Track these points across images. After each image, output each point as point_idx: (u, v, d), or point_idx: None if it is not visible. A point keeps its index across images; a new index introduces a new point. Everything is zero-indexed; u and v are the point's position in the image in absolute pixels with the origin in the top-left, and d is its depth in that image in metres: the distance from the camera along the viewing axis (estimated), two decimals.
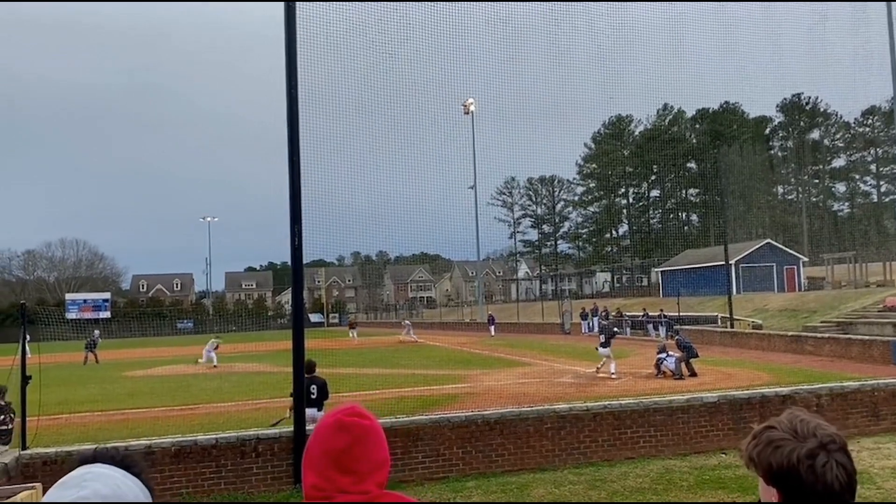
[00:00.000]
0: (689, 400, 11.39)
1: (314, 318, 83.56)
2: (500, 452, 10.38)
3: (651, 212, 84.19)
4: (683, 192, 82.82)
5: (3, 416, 9.22)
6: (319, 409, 10.75)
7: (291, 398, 10.31)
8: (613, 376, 19.43)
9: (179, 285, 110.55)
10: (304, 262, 10.52)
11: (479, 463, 10.26)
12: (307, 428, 9.70)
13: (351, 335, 46.85)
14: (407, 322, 51.65)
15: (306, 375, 10.55)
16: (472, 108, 28.09)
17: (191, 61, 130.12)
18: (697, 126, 79.26)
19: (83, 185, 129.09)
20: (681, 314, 35.35)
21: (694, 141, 78.84)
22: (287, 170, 10.22)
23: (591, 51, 14.26)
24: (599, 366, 20.42)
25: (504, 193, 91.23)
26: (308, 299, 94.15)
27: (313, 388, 10.80)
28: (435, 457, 10.12)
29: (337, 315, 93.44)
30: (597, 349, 20.63)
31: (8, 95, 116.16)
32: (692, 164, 79.12)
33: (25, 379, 9.19)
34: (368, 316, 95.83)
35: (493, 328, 46.66)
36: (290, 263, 10.55)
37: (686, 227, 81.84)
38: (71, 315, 68.76)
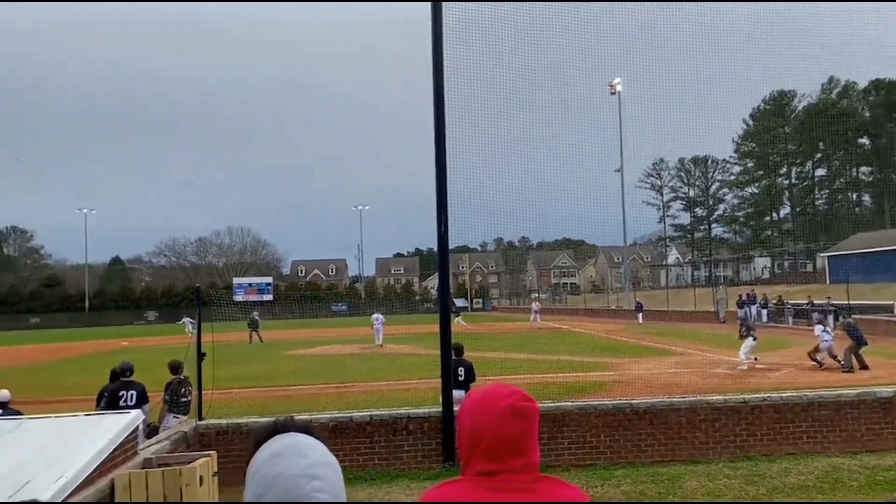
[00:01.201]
0: (859, 394, 10.52)
1: (459, 303, 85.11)
2: (650, 442, 10.12)
3: (816, 192, 78.03)
4: (854, 170, 76.10)
5: (183, 389, 10.15)
6: (466, 391, 10.95)
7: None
8: (743, 366, 18.73)
9: (334, 270, 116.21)
10: (450, 248, 10.72)
11: (627, 452, 10.06)
12: (455, 409, 9.94)
13: (456, 321, 46.43)
14: (536, 304, 51.13)
15: (454, 358, 10.77)
16: (618, 87, 27.29)
17: (340, 55, 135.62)
18: (871, 98, 72.36)
19: (248, 176, 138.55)
20: (850, 302, 32.64)
21: (867, 115, 72.07)
22: (433, 158, 10.45)
23: (751, 18, 13.41)
24: (755, 357, 19.45)
25: (652, 175, 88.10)
26: (452, 284, 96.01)
27: (461, 371, 11.01)
28: (581, 443, 10.03)
29: (480, 300, 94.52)
30: (742, 337, 19.70)
31: (180, 98, 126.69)
32: (864, 140, 72.43)
33: (200, 356, 10.05)
34: (511, 301, 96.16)
35: (640, 316, 45.35)
36: (435, 250, 10.80)
37: (857, 209, 75.21)
38: (238, 297, 74.19)
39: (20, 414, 8.89)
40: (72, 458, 6.48)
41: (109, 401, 9.42)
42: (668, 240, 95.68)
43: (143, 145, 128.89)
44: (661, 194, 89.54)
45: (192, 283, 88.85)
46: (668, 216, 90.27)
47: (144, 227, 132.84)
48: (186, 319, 47.87)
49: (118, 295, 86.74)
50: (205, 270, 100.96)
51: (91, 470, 6.47)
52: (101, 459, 6.70)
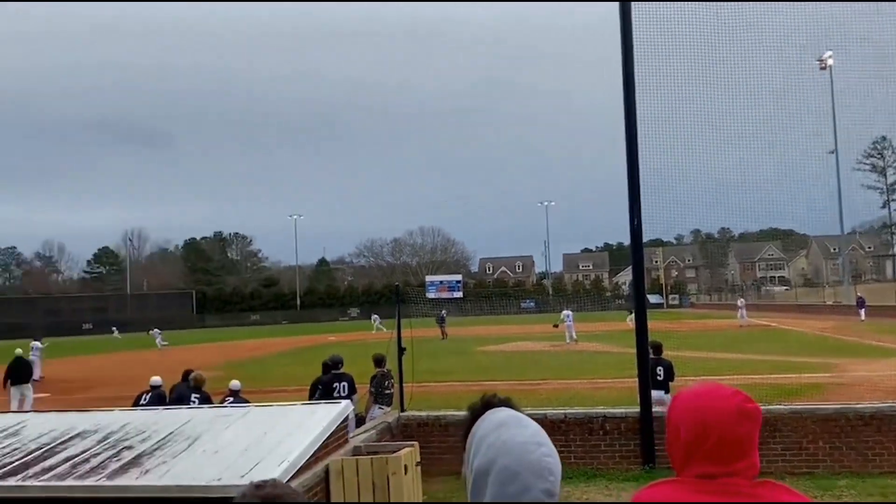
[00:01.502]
0: None
1: (653, 299, 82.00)
2: (878, 451, 9.10)
3: None
4: None
5: (387, 382, 10.71)
6: (666, 392, 10.53)
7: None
8: None
9: (521, 267, 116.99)
10: (643, 242, 10.36)
11: (850, 461, 9.12)
12: (654, 410, 9.59)
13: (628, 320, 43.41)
14: (741, 301, 47.71)
15: (652, 357, 10.40)
16: (829, 62, 24.86)
17: (528, 51, 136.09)
18: None
19: (436, 176, 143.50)
20: None
21: None
22: (624, 151, 10.15)
23: None
24: None
25: (873, 156, 79.15)
26: (646, 280, 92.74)
27: (659, 370, 10.61)
28: (797, 450, 9.25)
29: (677, 296, 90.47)
30: None
31: (380, 103, 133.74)
32: None
33: (401, 350, 10.56)
34: (711, 297, 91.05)
35: (863, 311, 40.95)
36: (625, 244, 10.49)
37: None
38: (430, 295, 77.07)
39: (247, 402, 9.85)
40: (292, 443, 7.07)
41: (324, 391, 10.17)
42: (894, 227, 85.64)
43: (342, 153, 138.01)
44: (885, 176, 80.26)
45: (390, 282, 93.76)
46: (893, 200, 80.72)
47: (346, 230, 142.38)
48: (375, 317, 50.82)
49: (324, 293, 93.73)
50: (400, 269, 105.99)
51: (309, 455, 7.02)
52: (318, 446, 7.24)
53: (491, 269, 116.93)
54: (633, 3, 10.05)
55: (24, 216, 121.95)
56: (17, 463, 6.88)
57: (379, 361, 10.95)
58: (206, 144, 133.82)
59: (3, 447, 7.33)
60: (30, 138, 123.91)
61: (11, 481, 6.51)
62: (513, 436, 1.49)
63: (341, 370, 10.58)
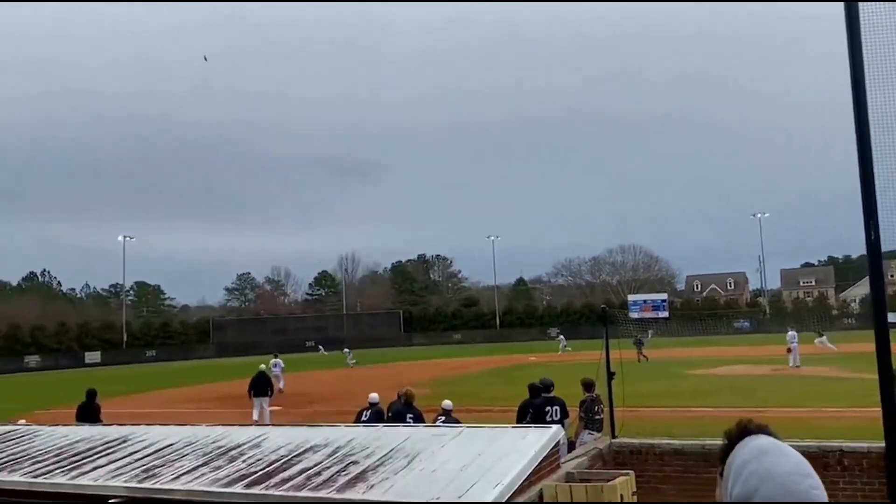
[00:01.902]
0: None
1: (892, 317, 73.00)
2: None
3: None
4: None
5: (596, 407, 10.50)
6: None
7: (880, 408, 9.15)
8: None
9: (733, 284, 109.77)
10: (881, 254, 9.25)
11: None
12: None
13: (817, 342, 37.64)
14: None
15: None
16: None
17: (739, 50, 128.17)
18: None
19: (634, 190, 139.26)
20: None
21: None
22: (851, 155, 9.17)
23: None
24: None
25: None
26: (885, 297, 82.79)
27: None
28: None
29: None
30: None
31: (572, 115, 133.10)
32: None
33: (610, 374, 10.31)
34: None
35: None
36: (852, 256, 9.48)
37: None
38: (633, 315, 74.58)
39: (459, 422, 10.11)
40: (506, 466, 7.13)
41: (535, 414, 10.18)
42: None
43: (537, 172, 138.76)
44: None
45: (589, 301, 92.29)
46: None
47: (543, 249, 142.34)
48: (561, 337, 49.85)
49: (523, 313, 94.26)
50: (600, 289, 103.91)
51: (523, 479, 7.05)
52: (531, 470, 7.25)
53: (699, 286, 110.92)
54: (860, 2, 9.11)
55: (257, 244, 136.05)
56: (260, 473, 7.61)
57: (588, 386, 10.77)
58: (411, 172, 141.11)
59: (249, 457, 8.13)
60: (261, 174, 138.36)
61: (256, 489, 7.21)
62: (776, 465, 1.44)
63: (552, 393, 10.53)
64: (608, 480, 7.48)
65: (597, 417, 10.47)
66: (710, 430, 12.87)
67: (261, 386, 19.48)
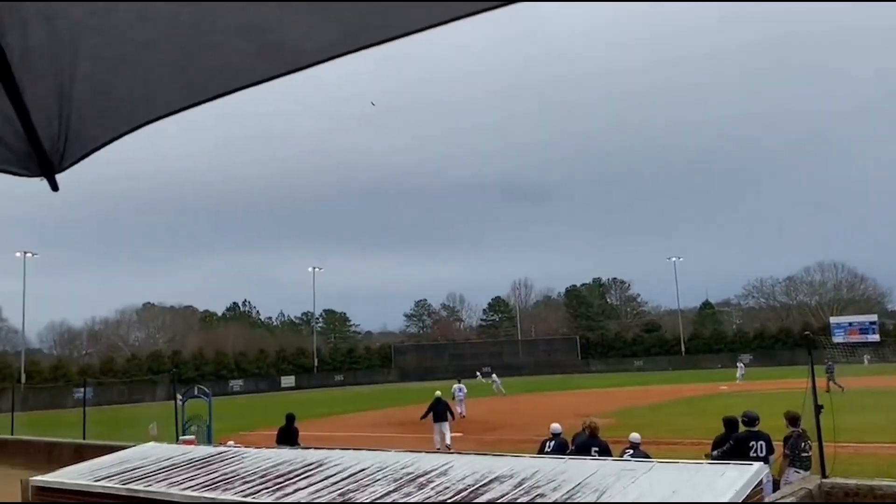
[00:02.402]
0: None
1: None
2: None
3: None
4: None
5: (803, 444, 9.58)
6: None
7: None
8: None
9: None
10: None
11: None
12: None
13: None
14: None
15: None
16: None
17: None
18: None
19: (832, 199, 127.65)
20: None
21: None
22: None
23: None
24: None
25: None
26: None
27: None
28: None
29: None
30: None
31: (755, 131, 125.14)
32: None
33: (818, 408, 9.38)
34: None
35: None
36: None
37: None
38: (837, 339, 68.02)
39: (648, 456, 9.64)
40: None
41: (736, 448, 9.48)
42: None
43: (720, 189, 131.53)
44: None
45: (784, 325, 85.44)
46: None
47: (730, 269, 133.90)
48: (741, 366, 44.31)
49: (710, 338, 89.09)
50: (796, 311, 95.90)
51: None
52: None
53: None
54: None
55: (432, 271, 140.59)
56: (449, 501, 7.68)
57: (793, 420, 9.86)
58: (581, 194, 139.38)
59: (437, 485, 8.25)
60: (436, 203, 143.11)
61: None
62: None
63: (757, 428, 9.74)
64: None
65: (804, 454, 9.54)
66: None
67: (439, 413, 19.90)
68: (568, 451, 10.56)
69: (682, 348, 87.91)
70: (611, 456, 9.90)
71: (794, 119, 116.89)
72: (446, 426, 20.02)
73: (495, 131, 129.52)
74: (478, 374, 72.01)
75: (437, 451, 19.01)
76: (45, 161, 1.29)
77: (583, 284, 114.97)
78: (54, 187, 1.34)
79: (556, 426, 11.60)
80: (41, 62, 1.10)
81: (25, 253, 69.87)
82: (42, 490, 11.78)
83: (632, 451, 10.01)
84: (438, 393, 21.08)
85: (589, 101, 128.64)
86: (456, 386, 29.65)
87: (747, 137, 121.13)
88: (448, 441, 19.58)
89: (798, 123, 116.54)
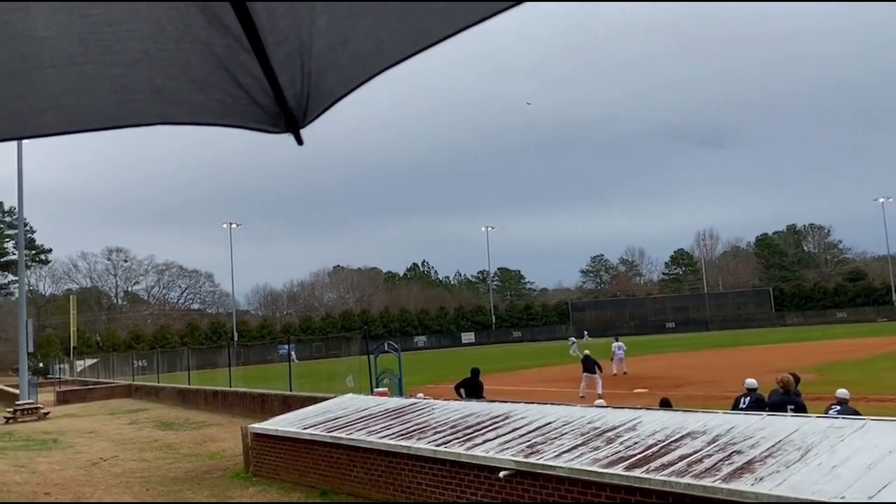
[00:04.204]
0: None
1: None
2: None
3: None
4: None
5: None
6: None
7: None
8: None
9: None
10: None
11: None
12: None
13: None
14: None
15: None
16: None
17: None
18: None
19: None
20: None
21: None
22: None
23: None
24: None
25: None
26: None
27: None
28: None
29: None
30: None
31: None
32: None
33: None
34: None
35: None
36: None
37: None
38: None
39: (858, 413, 8.89)
40: None
41: None
42: None
43: None
44: None
45: None
46: None
47: None
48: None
49: None
50: None
51: None
52: None
53: None
54: None
55: (609, 226, 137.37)
56: (638, 456, 7.58)
57: None
58: (770, 136, 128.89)
59: (625, 440, 8.16)
60: (612, 154, 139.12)
61: (637, 472, 7.18)
62: None
63: None
64: None
65: None
66: None
67: (589, 365, 22.13)
68: (764, 409, 9.98)
69: (893, 297, 79.53)
70: (805, 412, 9.24)
71: None
72: (596, 377, 21.77)
73: (669, 74, 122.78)
74: (575, 338, 70.29)
75: (582, 398, 20.24)
76: (291, 118, 1.40)
77: (775, 232, 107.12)
78: (300, 142, 1.45)
79: (751, 381, 10.99)
80: (283, 20, 1.19)
81: (231, 224, 77.20)
82: (259, 436, 13.12)
83: (839, 408, 9.27)
84: (587, 352, 23.28)
85: (771, 34, 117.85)
86: (615, 344, 29.28)
87: None
88: (599, 390, 21.12)
89: None
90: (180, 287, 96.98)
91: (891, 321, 68.00)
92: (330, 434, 11.39)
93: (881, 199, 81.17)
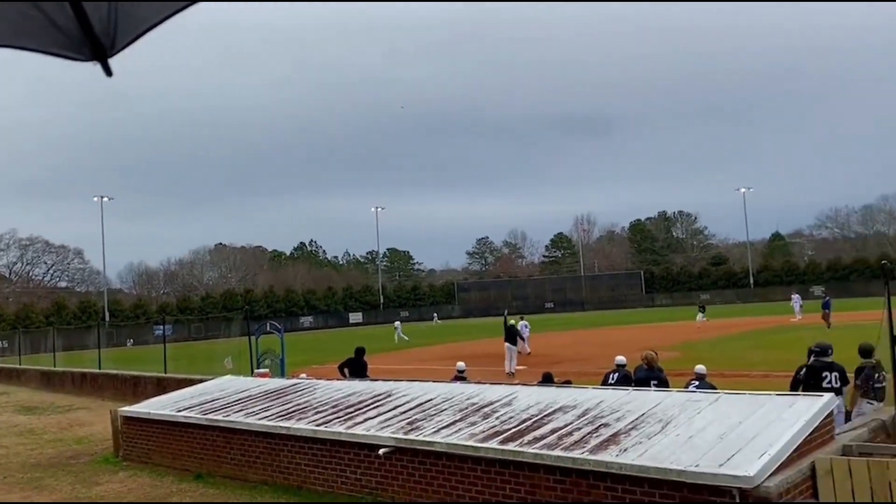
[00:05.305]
0: None
1: None
2: None
3: None
4: None
5: (877, 374, 9.35)
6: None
7: None
8: None
9: None
10: None
11: None
12: None
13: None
14: None
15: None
16: None
17: None
18: None
19: None
20: None
21: None
22: None
23: None
24: None
25: None
26: None
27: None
28: None
29: None
30: None
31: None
32: None
33: (893, 338, 9.11)
34: None
35: None
36: None
37: None
38: None
39: (714, 388, 9.59)
40: (771, 435, 6.63)
41: (809, 378, 9.33)
42: None
43: (792, 120, 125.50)
44: None
45: (860, 255, 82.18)
46: None
47: (802, 200, 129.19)
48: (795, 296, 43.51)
49: (781, 270, 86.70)
50: (873, 241, 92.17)
51: (791, 450, 6.50)
52: (800, 441, 6.66)
53: None
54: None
55: (494, 209, 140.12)
56: (513, 430, 7.86)
57: (866, 352, 9.60)
58: (648, 127, 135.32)
59: (501, 415, 8.43)
60: (498, 139, 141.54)
61: (511, 446, 7.46)
62: None
63: (831, 358, 9.54)
64: (895, 456, 6.63)
65: (877, 385, 9.32)
66: None
67: (512, 336, 22.84)
68: (631, 384, 10.58)
69: (751, 281, 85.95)
70: (669, 388, 9.88)
71: (868, 43, 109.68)
72: (514, 349, 22.45)
73: (556, 63, 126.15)
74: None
75: (511, 375, 20.84)
76: (97, 44, 1.30)
77: (647, 218, 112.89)
78: (108, 72, 1.35)
79: (620, 358, 11.62)
80: None
81: (102, 198, 72.80)
82: (130, 420, 12.58)
83: (697, 383, 9.96)
84: (512, 321, 24.14)
85: (649, 28, 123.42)
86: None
87: (820, 62, 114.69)
88: (512, 369, 21.61)
89: (872, 49, 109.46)
90: (46, 264, 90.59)
91: (748, 303, 73.45)
92: (206, 416, 11.09)
93: (742, 189, 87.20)
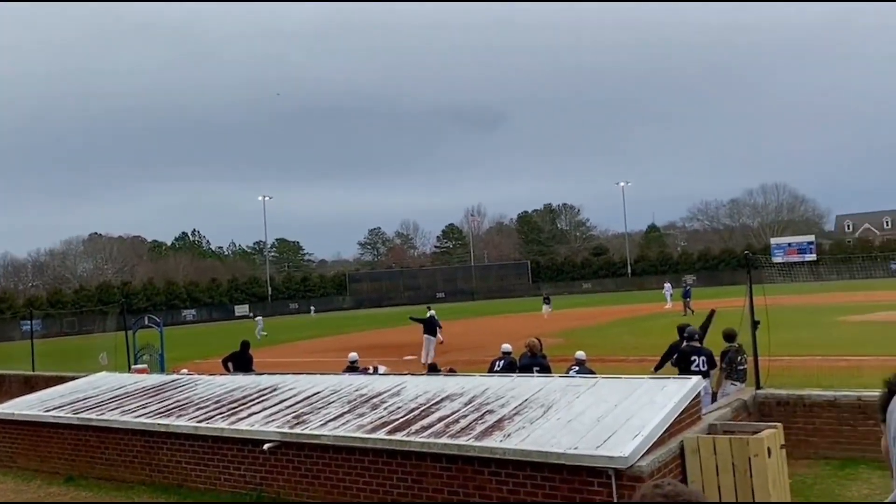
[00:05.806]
0: None
1: None
2: None
3: None
4: None
5: (739, 357, 10.06)
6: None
7: None
8: None
9: (890, 223, 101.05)
10: None
11: None
12: None
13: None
14: None
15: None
16: None
17: None
18: None
19: (779, 127, 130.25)
20: None
21: None
22: None
23: None
24: None
25: None
26: None
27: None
28: None
29: None
30: None
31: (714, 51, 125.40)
32: None
33: (755, 323, 9.81)
34: None
35: None
36: None
37: None
38: (777, 259, 70.49)
39: (593, 373, 10.01)
40: (644, 417, 7.00)
41: (679, 361, 9.90)
42: None
43: (666, 112, 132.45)
44: None
45: (727, 246, 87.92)
46: None
47: (676, 194, 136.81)
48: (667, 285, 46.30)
49: (656, 260, 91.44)
50: (739, 232, 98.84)
51: (662, 430, 6.89)
52: (671, 421, 7.07)
53: (850, 227, 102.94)
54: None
55: (386, 200, 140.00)
56: (401, 420, 7.90)
57: (730, 336, 10.31)
58: (536, 121, 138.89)
59: (389, 405, 8.45)
60: (388, 130, 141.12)
61: (398, 436, 7.49)
62: None
63: (698, 343, 10.17)
64: (754, 433, 7.17)
65: (740, 368, 10.03)
66: (867, 381, 12.03)
67: (431, 327, 23.33)
68: (517, 371, 10.87)
69: (629, 270, 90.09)
70: (550, 374, 10.24)
71: (740, 39, 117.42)
72: (432, 340, 22.83)
73: (448, 56, 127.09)
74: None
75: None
76: None
77: (534, 210, 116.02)
78: None
79: (506, 346, 11.91)
80: None
81: None
82: None
83: (577, 368, 10.37)
84: (432, 312, 25.16)
85: (540, 24, 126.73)
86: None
87: (696, 58, 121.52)
88: (429, 359, 21.45)
89: (743, 44, 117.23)
90: None
91: (626, 291, 76.99)
92: (77, 416, 10.48)
93: (622, 183, 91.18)
